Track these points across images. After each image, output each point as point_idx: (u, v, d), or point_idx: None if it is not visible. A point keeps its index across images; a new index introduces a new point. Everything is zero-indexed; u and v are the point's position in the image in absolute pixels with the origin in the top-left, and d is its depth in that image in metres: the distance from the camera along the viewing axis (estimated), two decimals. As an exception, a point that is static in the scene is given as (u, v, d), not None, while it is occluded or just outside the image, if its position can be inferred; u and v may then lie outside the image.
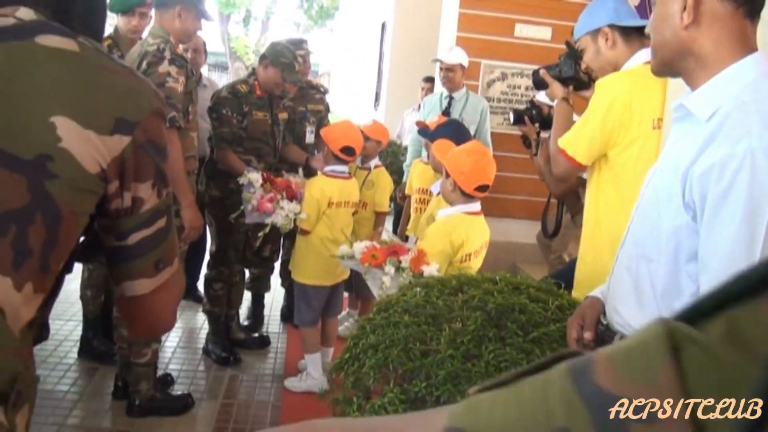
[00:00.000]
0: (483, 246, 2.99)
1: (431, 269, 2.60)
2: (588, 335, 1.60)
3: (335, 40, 23.96)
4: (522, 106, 5.26)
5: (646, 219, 1.50)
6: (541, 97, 4.20)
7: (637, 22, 2.38)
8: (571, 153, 2.33)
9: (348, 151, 3.53)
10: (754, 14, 1.40)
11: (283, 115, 4.11)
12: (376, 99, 10.04)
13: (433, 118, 4.27)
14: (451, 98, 4.92)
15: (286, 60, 3.81)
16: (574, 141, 2.34)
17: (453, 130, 3.67)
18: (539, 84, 2.77)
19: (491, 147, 4.96)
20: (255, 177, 3.51)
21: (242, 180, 3.52)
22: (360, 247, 2.86)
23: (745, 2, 1.37)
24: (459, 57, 4.85)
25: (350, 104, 14.21)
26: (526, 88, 5.54)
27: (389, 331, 1.85)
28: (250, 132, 3.86)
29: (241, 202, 3.56)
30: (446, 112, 4.85)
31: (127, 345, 3.22)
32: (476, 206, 2.97)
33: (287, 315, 4.73)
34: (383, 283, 2.69)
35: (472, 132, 4.80)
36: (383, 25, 9.88)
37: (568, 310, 1.90)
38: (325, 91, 4.83)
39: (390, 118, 8.00)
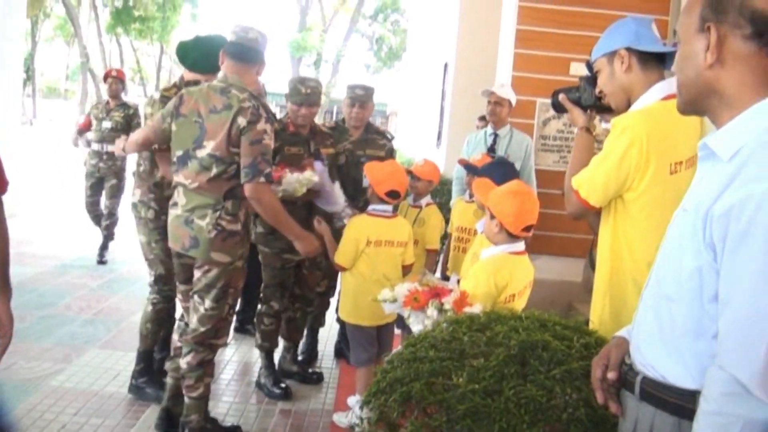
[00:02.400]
0: (527, 286, 2.99)
1: (474, 311, 2.59)
2: (612, 375, 1.59)
3: (402, 80, 24.29)
4: None
5: (670, 259, 1.50)
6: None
7: (657, 48, 2.30)
8: (584, 195, 2.29)
9: (393, 195, 3.58)
10: None
11: (327, 150, 4.23)
12: (438, 137, 10.14)
13: (476, 156, 4.30)
14: (495, 135, 4.97)
15: (291, 86, 4.00)
16: (588, 183, 2.29)
17: (500, 169, 3.68)
18: (557, 107, 2.67)
19: (535, 184, 4.96)
20: None
21: None
22: (402, 290, 2.87)
23: None
24: (509, 93, 4.92)
25: (415, 143, 14.34)
26: (583, 126, 5.52)
27: (415, 366, 1.90)
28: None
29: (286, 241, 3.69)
30: (491, 149, 4.88)
31: (181, 376, 3.33)
32: (520, 246, 2.98)
33: (340, 351, 4.81)
34: (426, 327, 2.69)
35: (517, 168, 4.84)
36: (446, 66, 10.01)
37: (594, 348, 1.90)
38: (391, 138, 4.83)
39: (451, 156, 8.07)
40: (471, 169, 3.92)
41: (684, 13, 1.49)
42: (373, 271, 3.58)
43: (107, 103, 7.20)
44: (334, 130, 4.51)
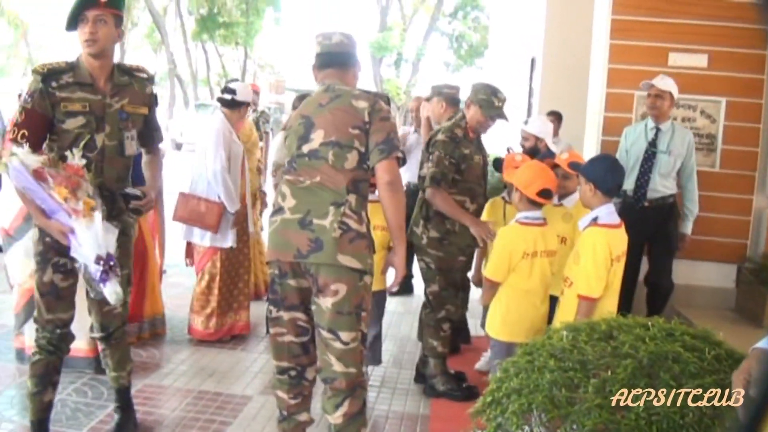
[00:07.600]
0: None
1: None
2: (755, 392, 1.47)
3: (485, 77, 24.04)
4: None
5: None
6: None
7: None
8: None
9: (545, 194, 3.33)
10: None
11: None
12: (526, 134, 9.94)
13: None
14: (657, 129, 4.69)
15: (484, 96, 3.91)
16: None
17: (603, 166, 3.39)
18: None
19: (696, 181, 4.72)
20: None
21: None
22: None
23: None
24: (670, 86, 4.64)
25: (500, 140, 14.14)
26: (683, 120, 5.27)
27: (534, 376, 1.81)
28: (467, 175, 3.89)
29: (459, 245, 3.86)
30: (652, 144, 4.67)
31: None
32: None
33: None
34: None
35: (677, 166, 4.66)
36: (533, 61, 9.80)
37: (726, 361, 1.77)
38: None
39: (540, 153, 7.88)
40: (576, 166, 3.57)
41: None
42: (527, 283, 3.31)
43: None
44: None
